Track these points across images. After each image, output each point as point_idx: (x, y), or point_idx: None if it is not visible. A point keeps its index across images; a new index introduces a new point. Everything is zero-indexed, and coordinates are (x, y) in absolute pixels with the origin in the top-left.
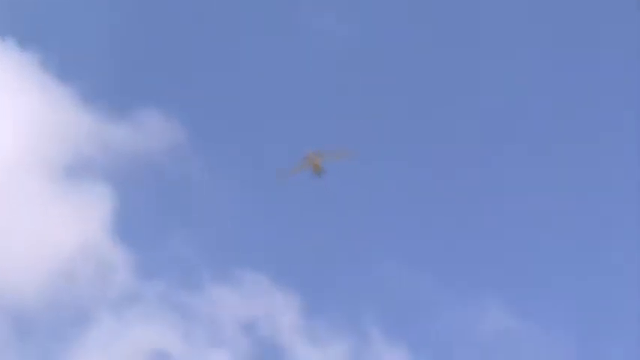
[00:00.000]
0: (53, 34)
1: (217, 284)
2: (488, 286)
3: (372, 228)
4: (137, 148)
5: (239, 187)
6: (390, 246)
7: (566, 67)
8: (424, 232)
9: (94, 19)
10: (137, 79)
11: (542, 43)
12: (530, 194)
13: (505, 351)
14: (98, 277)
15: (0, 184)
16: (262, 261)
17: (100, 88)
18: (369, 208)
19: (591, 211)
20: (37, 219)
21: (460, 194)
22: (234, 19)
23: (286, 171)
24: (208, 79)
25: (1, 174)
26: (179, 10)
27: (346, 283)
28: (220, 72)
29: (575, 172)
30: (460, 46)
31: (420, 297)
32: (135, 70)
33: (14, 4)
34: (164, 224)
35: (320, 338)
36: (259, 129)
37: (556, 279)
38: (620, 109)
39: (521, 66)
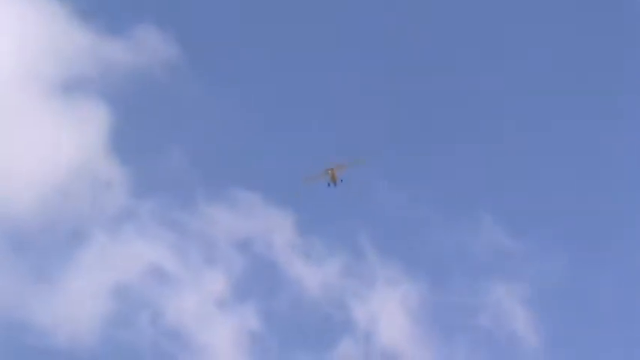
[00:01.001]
0: None
1: (212, 203)
2: (483, 205)
3: (365, 147)
4: (133, 65)
5: (236, 105)
6: (384, 165)
7: None
8: (417, 152)
9: None
10: None
11: None
12: (526, 113)
13: (499, 269)
14: (93, 194)
15: None
16: (257, 180)
17: (96, 4)
18: (360, 128)
19: (588, 130)
20: (33, 136)
21: (453, 112)
22: None
23: (308, 179)
24: None
25: None
26: None
27: (340, 201)
28: None
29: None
30: None
31: (413, 215)
32: None
33: None
34: (160, 141)
35: (314, 255)
36: (257, 44)
37: (550, 198)
38: None
39: None
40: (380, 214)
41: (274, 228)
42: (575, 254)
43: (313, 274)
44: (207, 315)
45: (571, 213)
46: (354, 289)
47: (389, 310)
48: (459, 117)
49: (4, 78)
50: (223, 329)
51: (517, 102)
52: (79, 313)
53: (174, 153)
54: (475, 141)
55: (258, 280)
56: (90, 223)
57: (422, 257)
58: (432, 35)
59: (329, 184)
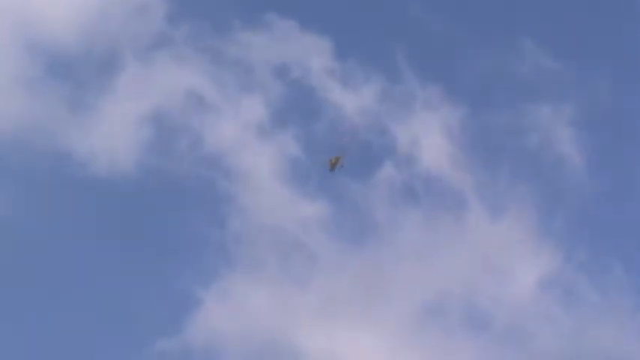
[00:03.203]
0: None
1: (247, 29)
2: (522, 29)
3: None
4: None
5: None
6: None
7: None
8: None
9: None
10: None
11: None
12: None
13: (543, 90)
14: (129, 19)
15: None
16: (293, 6)
17: None
18: None
19: None
20: None
21: None
22: None
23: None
24: None
25: None
26: None
27: (377, 24)
28: None
29: None
30: None
31: (452, 38)
32: None
33: None
34: None
35: (352, 80)
36: None
37: (592, 19)
38: None
39: None
40: (418, 37)
41: (311, 53)
42: (622, 73)
43: (351, 100)
44: (246, 142)
45: (614, 32)
46: (393, 113)
47: (430, 133)
48: None
49: None
50: (263, 156)
51: None
52: (118, 142)
53: None
54: None
55: (297, 107)
56: (125, 49)
57: (462, 80)
58: None
59: (330, 170)
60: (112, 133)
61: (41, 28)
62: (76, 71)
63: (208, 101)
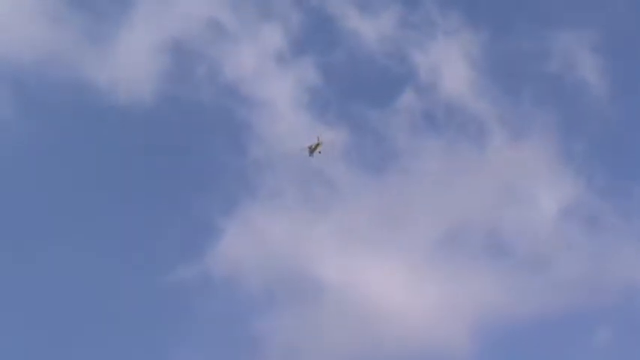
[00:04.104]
0: None
1: None
2: None
3: None
4: None
5: None
6: None
7: None
8: None
9: None
10: None
11: None
12: None
13: (566, 15)
14: None
15: None
16: None
17: None
18: None
19: None
20: None
21: None
22: None
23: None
24: None
25: None
26: None
27: None
28: None
29: None
30: None
31: None
32: None
33: None
34: None
35: (370, 7)
36: None
37: None
38: None
39: None
40: None
41: None
42: None
43: (370, 27)
44: (265, 70)
45: None
46: (412, 40)
47: (450, 60)
48: None
49: None
50: (282, 84)
51: None
52: (137, 71)
53: None
54: None
55: (315, 35)
56: None
57: (483, 6)
58: None
59: (310, 154)
60: (131, 63)
61: None
62: (95, 1)
63: (227, 30)
